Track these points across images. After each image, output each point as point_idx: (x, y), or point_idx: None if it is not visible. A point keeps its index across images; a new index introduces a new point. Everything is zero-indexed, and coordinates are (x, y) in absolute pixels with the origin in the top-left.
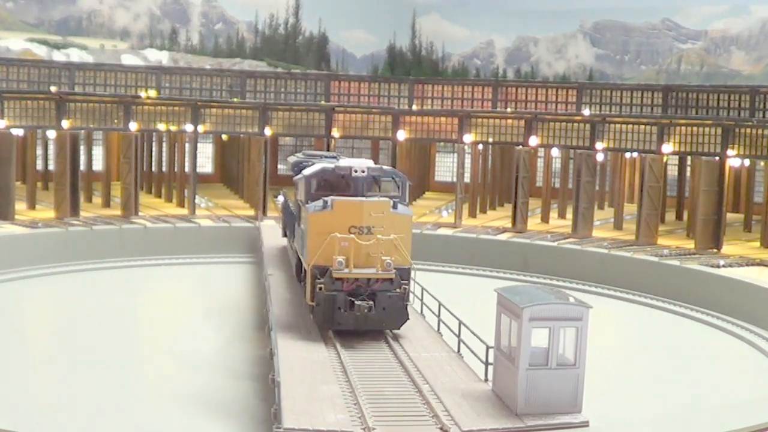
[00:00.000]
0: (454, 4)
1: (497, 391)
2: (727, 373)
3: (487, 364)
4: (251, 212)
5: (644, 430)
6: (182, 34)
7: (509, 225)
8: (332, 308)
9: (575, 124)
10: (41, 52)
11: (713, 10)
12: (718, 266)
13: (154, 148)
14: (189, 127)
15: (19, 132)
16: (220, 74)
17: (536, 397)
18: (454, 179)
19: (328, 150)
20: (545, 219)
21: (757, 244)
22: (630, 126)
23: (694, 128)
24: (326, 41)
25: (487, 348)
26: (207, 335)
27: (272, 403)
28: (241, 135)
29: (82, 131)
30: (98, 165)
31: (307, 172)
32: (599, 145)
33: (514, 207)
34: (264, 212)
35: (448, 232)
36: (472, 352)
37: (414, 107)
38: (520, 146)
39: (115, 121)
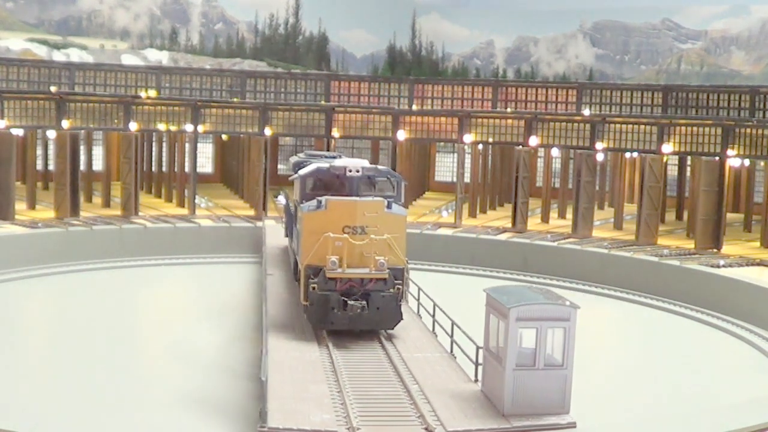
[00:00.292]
0: (454, 4)
1: (486, 392)
2: (727, 373)
3: (477, 364)
4: (251, 212)
5: (637, 431)
6: (182, 34)
7: (509, 225)
8: (325, 308)
9: (575, 124)
10: (41, 52)
11: (713, 10)
12: (718, 266)
13: (154, 148)
14: (189, 127)
15: (19, 132)
16: (220, 74)
17: (523, 398)
18: (454, 179)
19: (328, 150)
20: (545, 219)
21: (757, 244)
22: (630, 126)
23: (694, 128)
24: (326, 41)
25: (477, 348)
26: (207, 335)
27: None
28: (241, 135)
29: (82, 131)
30: (98, 165)
31: (302, 172)
32: (599, 145)
33: (514, 207)
34: (264, 212)
35: (448, 232)
36: (464, 352)
37: (414, 107)
38: (520, 146)
39: (115, 121)
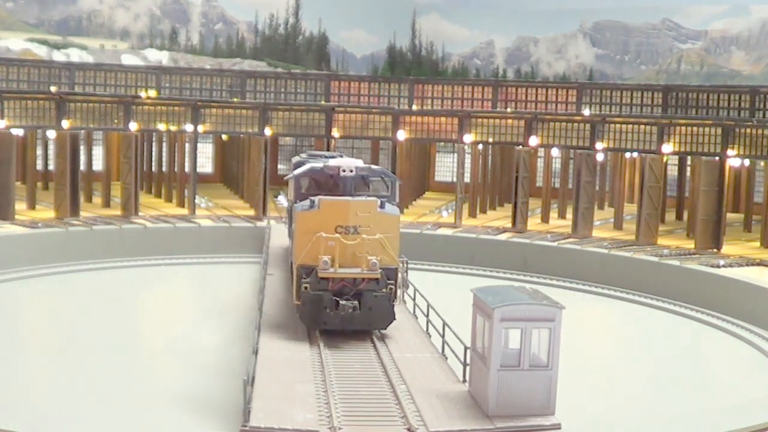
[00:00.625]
0: (454, 4)
1: (473, 393)
2: (727, 373)
3: (465, 365)
4: (251, 212)
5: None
6: (182, 34)
7: (509, 225)
8: (318, 308)
9: (575, 124)
10: (41, 52)
11: (713, 10)
12: (718, 266)
13: (154, 148)
14: (189, 127)
15: (19, 132)
16: (220, 74)
17: (508, 399)
18: (454, 179)
19: (328, 150)
20: (545, 219)
21: (757, 244)
22: (630, 126)
23: (694, 128)
24: (326, 41)
25: (465, 349)
26: (207, 335)
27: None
28: (241, 135)
29: (82, 131)
30: (98, 165)
31: (296, 171)
32: (599, 145)
33: (514, 207)
34: (264, 212)
35: (448, 232)
36: (453, 353)
37: (414, 107)
38: (520, 146)
39: (115, 121)
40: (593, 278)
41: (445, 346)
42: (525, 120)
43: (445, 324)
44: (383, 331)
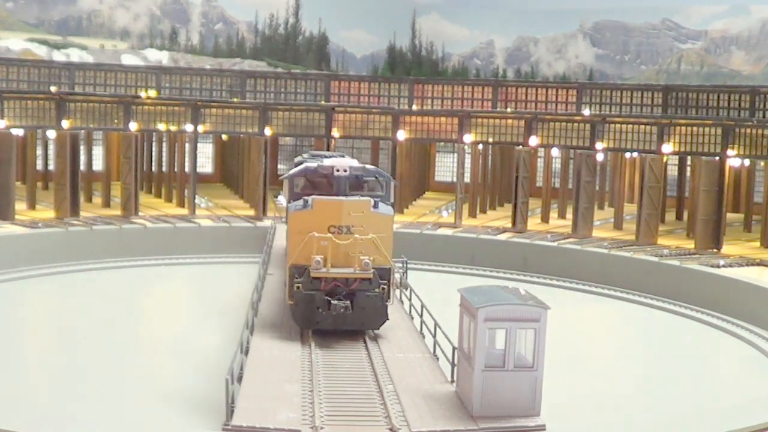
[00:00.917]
0: (454, 4)
1: (459, 393)
2: (727, 373)
3: (453, 365)
4: (251, 212)
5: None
6: (182, 34)
7: (509, 225)
8: (310, 308)
9: (575, 124)
10: (41, 52)
11: (713, 10)
12: (718, 266)
13: (154, 148)
14: (189, 127)
15: (19, 132)
16: (220, 74)
17: (493, 399)
18: (454, 179)
19: (328, 149)
20: (545, 219)
21: (757, 244)
22: (630, 126)
23: (694, 128)
24: (326, 41)
25: (453, 349)
26: (207, 335)
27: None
28: (241, 135)
29: (82, 131)
30: (98, 165)
31: (291, 172)
32: (599, 145)
33: (514, 207)
34: (264, 212)
35: (448, 232)
36: (443, 353)
37: (414, 107)
38: (520, 146)
39: (115, 121)
40: (593, 278)
41: (437, 346)
42: (525, 120)
43: (436, 324)
44: (377, 331)
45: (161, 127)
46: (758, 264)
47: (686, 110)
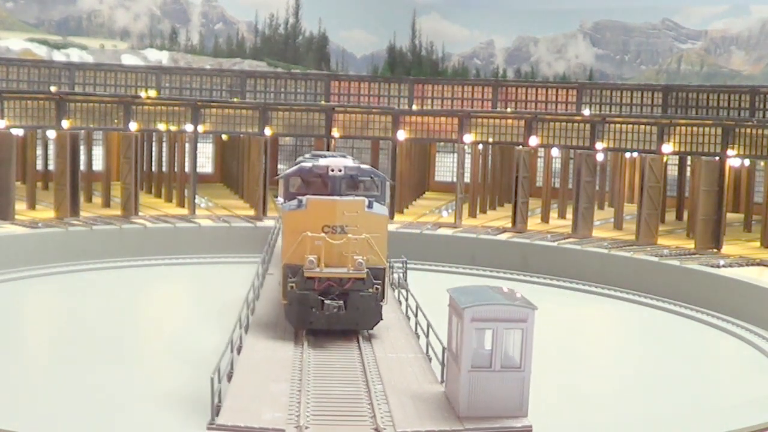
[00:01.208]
0: (454, 4)
1: (447, 393)
2: (727, 373)
3: (443, 365)
4: (251, 212)
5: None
6: (182, 34)
7: (509, 225)
8: (304, 307)
9: (575, 124)
10: (41, 52)
11: (713, 10)
12: (718, 266)
13: (154, 148)
14: (189, 127)
15: (19, 132)
16: (220, 74)
17: (479, 400)
18: (454, 179)
19: (328, 149)
20: (545, 219)
21: (757, 244)
22: (630, 126)
23: (694, 128)
24: (326, 41)
25: (443, 349)
26: (207, 335)
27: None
28: (241, 135)
29: (82, 131)
30: (98, 165)
31: (286, 171)
32: (599, 145)
33: (514, 207)
34: (264, 212)
35: (448, 232)
36: (434, 353)
37: (414, 107)
38: (520, 146)
39: (115, 121)
40: (593, 278)
41: (429, 347)
42: (525, 120)
43: (429, 325)
44: (371, 331)
45: (161, 127)
46: (758, 264)
47: (686, 110)
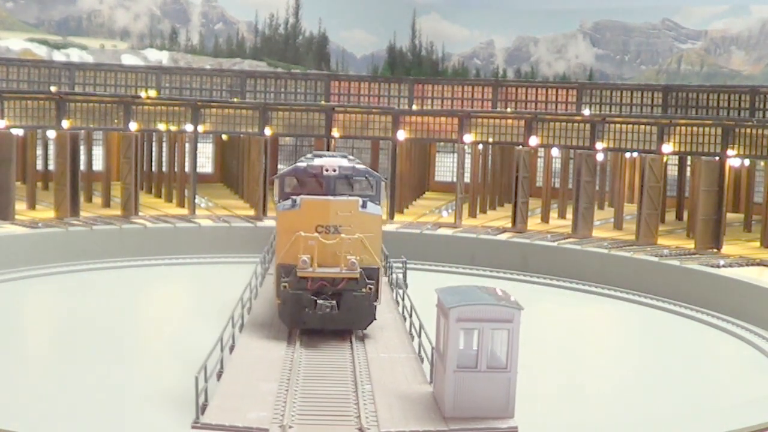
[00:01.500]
0: (454, 4)
1: (435, 393)
2: (727, 373)
3: (432, 365)
4: (251, 212)
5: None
6: (182, 34)
7: (509, 225)
8: (297, 307)
9: (575, 124)
10: (41, 52)
11: (713, 10)
12: (718, 266)
13: (154, 148)
14: (189, 127)
15: (19, 132)
16: (220, 74)
17: (465, 400)
18: (454, 179)
19: (328, 149)
20: (545, 219)
21: (757, 244)
22: (630, 126)
23: (694, 128)
24: (326, 41)
25: (432, 350)
26: (206, 335)
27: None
28: (241, 135)
29: (82, 131)
30: (98, 165)
31: (281, 172)
32: (599, 145)
33: (514, 207)
34: (264, 212)
35: (448, 232)
36: (426, 354)
37: (414, 107)
38: (520, 146)
39: (115, 121)
40: (593, 278)
41: (422, 347)
42: (525, 120)
43: (421, 325)
44: (365, 331)
45: (161, 127)
46: (758, 264)
47: (686, 110)
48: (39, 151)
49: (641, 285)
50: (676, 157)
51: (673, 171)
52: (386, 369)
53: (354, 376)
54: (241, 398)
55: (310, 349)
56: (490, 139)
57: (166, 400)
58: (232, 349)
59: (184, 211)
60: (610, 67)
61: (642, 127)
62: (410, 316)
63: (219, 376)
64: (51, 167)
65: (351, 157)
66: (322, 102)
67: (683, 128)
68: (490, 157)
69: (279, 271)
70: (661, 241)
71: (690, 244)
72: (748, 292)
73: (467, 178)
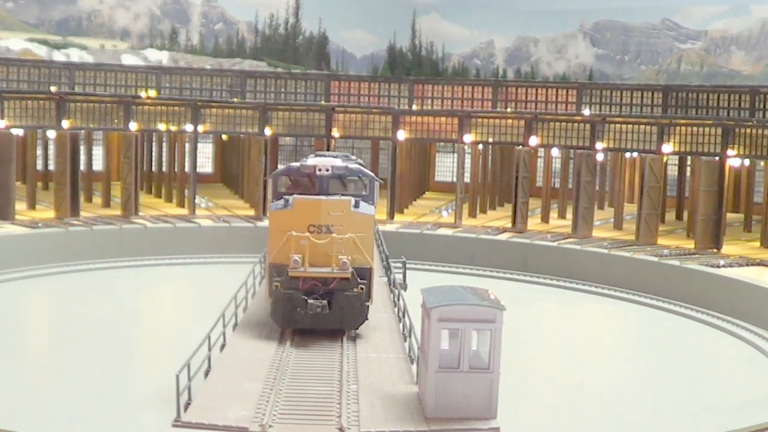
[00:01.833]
0: (454, 4)
1: (419, 394)
2: (727, 373)
3: (419, 366)
4: (251, 212)
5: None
6: (182, 34)
7: (509, 225)
8: (288, 307)
9: (575, 124)
10: (41, 52)
11: (713, 10)
12: (718, 266)
13: (154, 148)
14: (189, 127)
15: (19, 132)
16: (220, 74)
17: (447, 401)
18: (454, 179)
19: (328, 149)
20: (545, 219)
21: (757, 244)
22: (630, 126)
23: (694, 128)
24: (326, 41)
25: (417, 350)
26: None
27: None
28: (241, 135)
29: (82, 131)
30: (98, 165)
31: (275, 171)
32: (599, 145)
33: (514, 207)
34: (264, 212)
35: (448, 232)
36: (412, 354)
37: (414, 107)
38: (520, 146)
39: (115, 121)
40: (593, 278)
41: (412, 348)
42: (525, 120)
43: (411, 326)
44: (358, 331)
45: (161, 127)
46: (758, 264)
47: (686, 110)
48: (39, 151)
49: (641, 285)
50: (676, 157)
51: (673, 171)
52: (374, 369)
53: (341, 376)
54: (224, 397)
55: (301, 348)
56: (490, 139)
57: (158, 400)
58: (222, 347)
59: (184, 211)
60: (610, 67)
61: (642, 127)
62: (404, 316)
63: (207, 374)
64: (51, 167)
65: (353, 157)
66: (322, 102)
67: (683, 128)
68: (490, 157)
69: (271, 270)
70: (661, 241)
71: (690, 244)
72: (748, 292)
73: (467, 178)
